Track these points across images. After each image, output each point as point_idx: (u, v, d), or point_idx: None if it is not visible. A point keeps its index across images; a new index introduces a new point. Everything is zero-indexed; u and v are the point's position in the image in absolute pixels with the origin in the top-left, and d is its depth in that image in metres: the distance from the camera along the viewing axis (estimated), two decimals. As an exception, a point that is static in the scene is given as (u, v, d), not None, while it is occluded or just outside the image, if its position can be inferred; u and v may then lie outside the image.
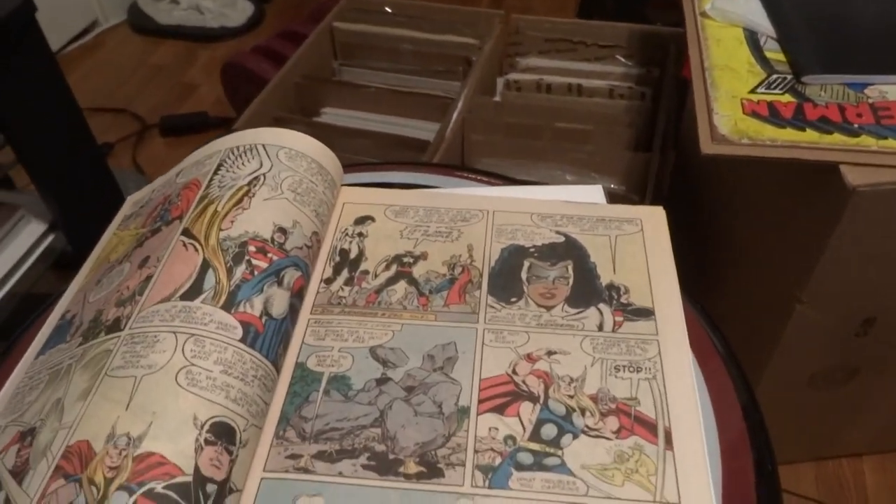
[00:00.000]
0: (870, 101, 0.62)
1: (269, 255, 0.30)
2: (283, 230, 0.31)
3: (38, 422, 0.26)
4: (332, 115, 1.02)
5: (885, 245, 0.61)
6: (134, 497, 0.22)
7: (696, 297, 0.37)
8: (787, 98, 0.64)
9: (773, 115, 0.62)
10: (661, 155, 0.86)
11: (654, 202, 0.82)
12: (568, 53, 1.07)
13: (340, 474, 0.27)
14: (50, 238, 0.87)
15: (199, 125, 1.45)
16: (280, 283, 0.30)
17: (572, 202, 0.38)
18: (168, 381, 0.25)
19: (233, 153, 0.35)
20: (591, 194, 0.39)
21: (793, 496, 0.83)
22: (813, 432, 0.85)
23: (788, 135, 0.60)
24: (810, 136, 0.60)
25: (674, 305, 0.34)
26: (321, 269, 0.35)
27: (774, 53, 0.69)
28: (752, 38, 0.72)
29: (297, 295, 0.31)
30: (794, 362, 0.73)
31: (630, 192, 0.88)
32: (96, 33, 1.74)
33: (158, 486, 0.23)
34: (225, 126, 1.44)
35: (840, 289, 0.65)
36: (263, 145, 0.35)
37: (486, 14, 1.10)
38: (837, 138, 0.59)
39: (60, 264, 0.93)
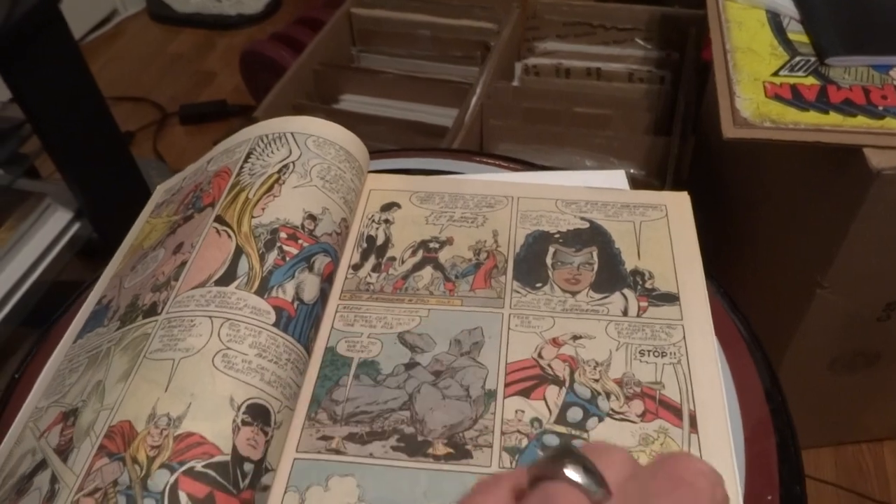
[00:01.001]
0: (894, 82, 0.62)
1: (300, 241, 0.31)
2: (312, 217, 0.32)
3: (80, 402, 0.27)
4: (350, 102, 1.02)
5: (909, 229, 0.60)
6: (175, 475, 0.23)
7: (718, 281, 0.37)
8: (811, 81, 0.63)
9: (797, 98, 0.62)
10: (680, 139, 0.86)
11: (674, 187, 0.82)
12: (586, 37, 1.06)
13: (371, 455, 0.27)
14: (76, 226, 0.88)
15: (219, 113, 1.46)
16: (311, 269, 0.30)
17: (597, 188, 0.38)
18: (205, 364, 0.26)
19: (262, 141, 0.36)
20: (615, 180, 0.39)
21: (812, 481, 0.84)
22: (833, 417, 0.85)
23: (811, 118, 0.60)
24: (834, 118, 0.59)
25: (698, 291, 0.34)
26: (349, 255, 0.35)
27: (798, 35, 0.68)
28: (775, 20, 0.71)
29: (328, 280, 0.32)
30: (814, 347, 0.73)
31: (650, 176, 0.87)
32: (116, 22, 1.76)
33: (199, 465, 0.24)
34: (244, 114, 1.45)
35: (862, 273, 0.65)
36: (292, 133, 0.35)
37: (503, -2, 1.10)
38: (861, 121, 0.59)
39: (86, 252, 0.94)
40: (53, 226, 0.87)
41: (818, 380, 0.77)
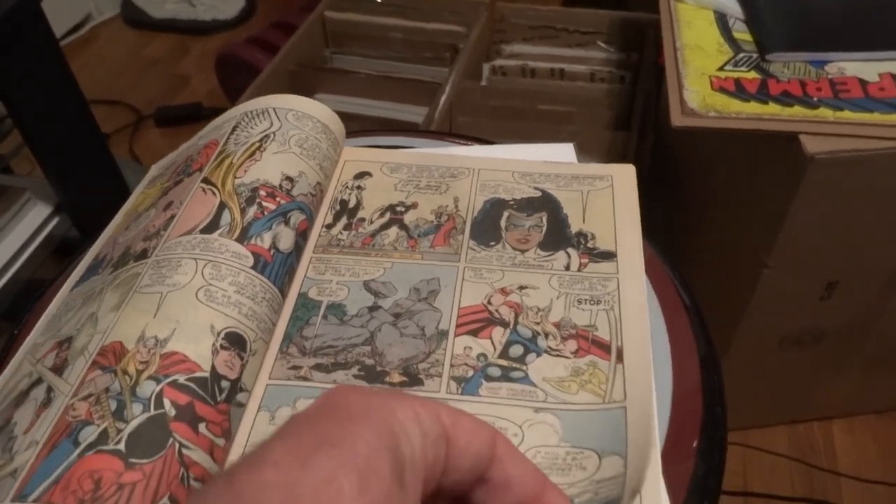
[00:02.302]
0: (829, 76, 0.67)
1: (278, 199, 0.34)
2: (290, 179, 0.35)
3: (75, 332, 0.30)
4: (325, 101, 1.05)
5: (843, 210, 0.65)
6: (161, 385, 0.26)
7: (675, 264, 0.41)
8: (753, 75, 0.68)
9: (739, 91, 0.66)
10: (639, 135, 0.90)
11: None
12: (551, 40, 1.11)
13: (334, 382, 0.31)
14: (55, 221, 0.90)
15: (194, 115, 1.48)
16: (287, 223, 0.34)
17: (551, 162, 0.42)
18: (189, 297, 0.29)
19: (247, 116, 0.39)
20: (563, 152, 0.43)
21: (766, 454, 0.88)
22: (785, 395, 0.90)
23: (752, 108, 0.65)
24: (773, 108, 0.64)
25: (635, 249, 0.38)
26: (323, 215, 0.39)
27: (742, 34, 0.74)
28: (722, 20, 0.76)
29: (302, 235, 0.35)
30: (763, 326, 0.78)
31: (610, 169, 0.92)
32: (90, 27, 1.77)
33: (181, 378, 0.27)
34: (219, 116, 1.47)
35: (804, 253, 0.69)
36: (274, 108, 0.39)
37: (471, 2, 1.14)
38: (797, 111, 0.64)
39: (62, 251, 0.96)
40: (32, 220, 0.89)
41: (769, 357, 0.82)
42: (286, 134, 0.37)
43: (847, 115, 0.63)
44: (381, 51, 1.13)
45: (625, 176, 0.41)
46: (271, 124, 0.38)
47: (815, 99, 0.64)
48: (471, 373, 0.31)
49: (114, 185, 0.96)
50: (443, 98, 0.95)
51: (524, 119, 0.97)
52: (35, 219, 0.88)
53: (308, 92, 1.07)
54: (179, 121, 1.49)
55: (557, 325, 0.33)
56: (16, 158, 0.94)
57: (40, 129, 0.80)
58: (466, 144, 0.47)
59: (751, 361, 0.81)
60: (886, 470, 0.87)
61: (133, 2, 1.77)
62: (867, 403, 0.92)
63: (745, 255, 0.74)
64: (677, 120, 0.65)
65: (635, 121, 0.92)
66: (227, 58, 1.27)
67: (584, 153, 0.94)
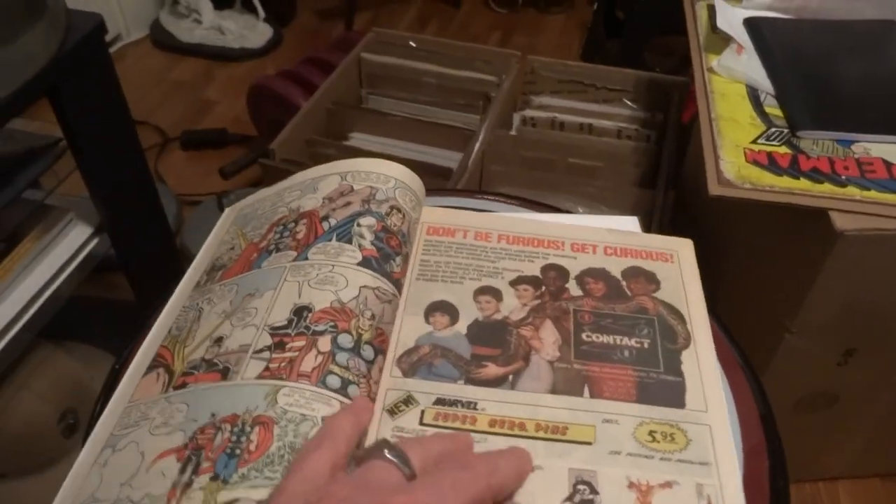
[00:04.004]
0: (855, 156, 0.71)
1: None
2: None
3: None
4: (359, 140, 1.09)
5: (867, 284, 0.69)
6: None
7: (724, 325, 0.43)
8: (784, 150, 0.72)
9: (772, 164, 0.70)
10: (664, 192, 0.94)
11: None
12: (579, 94, 1.15)
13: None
14: (95, 241, 0.92)
15: (219, 141, 1.51)
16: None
17: (624, 231, 0.45)
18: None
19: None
20: (629, 224, 0.46)
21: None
22: (793, 456, 0.92)
23: (785, 182, 0.68)
24: (804, 184, 0.68)
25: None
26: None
27: (773, 109, 0.78)
28: (754, 94, 0.80)
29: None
30: (780, 388, 0.80)
31: (635, 225, 0.95)
32: (119, 47, 1.81)
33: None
34: (244, 143, 1.51)
35: (825, 321, 0.73)
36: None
37: (503, 54, 1.18)
38: (827, 187, 0.67)
39: (98, 270, 0.98)
40: (74, 240, 0.91)
41: (782, 419, 0.84)
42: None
43: (874, 195, 0.66)
44: (414, 94, 1.17)
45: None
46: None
47: (843, 177, 0.68)
48: None
49: (152, 207, 0.98)
50: (476, 145, 0.99)
51: (553, 171, 1.01)
52: (77, 239, 0.90)
53: (344, 130, 1.11)
54: (204, 145, 1.52)
55: None
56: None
57: (92, 152, 0.83)
58: (536, 210, 0.50)
59: (765, 420, 0.84)
60: (890, 533, 0.90)
61: (163, 25, 1.81)
62: (874, 465, 0.94)
63: (767, 319, 0.77)
64: (714, 189, 0.69)
65: (661, 180, 0.96)
66: (261, 89, 1.30)
67: (611, 208, 0.98)
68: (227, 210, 0.49)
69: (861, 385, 0.80)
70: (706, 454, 0.33)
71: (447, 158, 1.03)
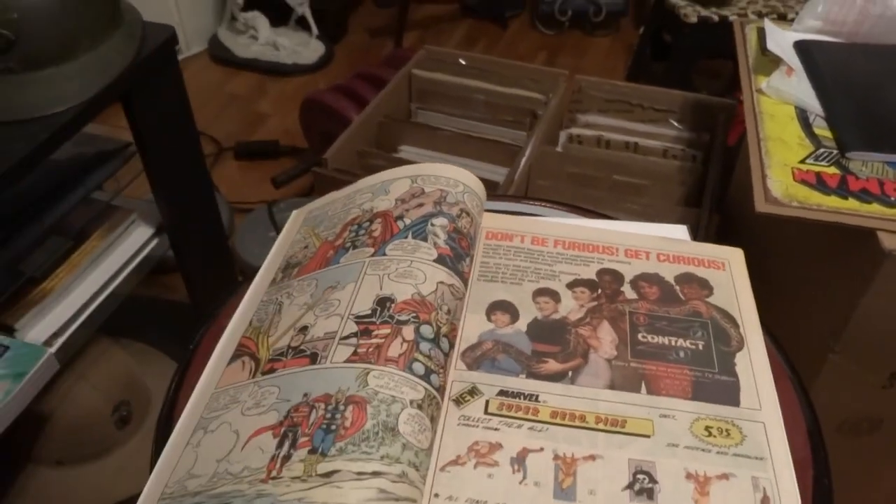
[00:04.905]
0: (906, 178, 0.71)
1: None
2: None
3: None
4: (408, 153, 1.12)
5: (914, 305, 0.69)
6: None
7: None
8: (833, 170, 0.73)
9: (820, 184, 0.71)
10: (709, 213, 0.95)
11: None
12: (625, 114, 1.17)
13: None
14: (154, 242, 0.97)
15: (271, 152, 1.56)
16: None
17: (674, 239, 0.47)
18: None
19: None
20: (679, 233, 0.48)
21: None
22: (837, 484, 0.91)
23: (833, 202, 0.69)
24: (852, 204, 0.68)
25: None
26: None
27: (822, 130, 0.78)
28: (803, 116, 0.81)
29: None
30: (824, 409, 0.80)
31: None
32: (179, 60, 1.88)
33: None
34: (295, 154, 1.55)
35: (870, 342, 0.73)
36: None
37: (550, 73, 1.21)
38: (876, 208, 0.68)
39: (154, 271, 1.03)
40: (135, 240, 0.95)
41: (827, 441, 0.84)
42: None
43: (924, 216, 0.67)
44: (462, 110, 1.19)
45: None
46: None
47: (893, 199, 0.69)
48: None
49: (209, 211, 1.02)
50: (523, 160, 1.01)
51: (598, 188, 1.02)
52: (138, 238, 0.95)
53: (394, 142, 1.14)
54: (256, 155, 1.57)
55: None
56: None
57: (159, 156, 0.88)
58: (584, 216, 0.52)
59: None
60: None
61: (221, 41, 1.88)
62: (917, 496, 0.93)
63: (811, 339, 0.77)
64: (761, 206, 0.70)
65: (706, 200, 0.97)
66: (314, 102, 1.35)
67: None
68: (294, 213, 0.52)
69: (907, 410, 0.80)
70: (761, 450, 0.34)
71: (494, 173, 1.06)
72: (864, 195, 0.69)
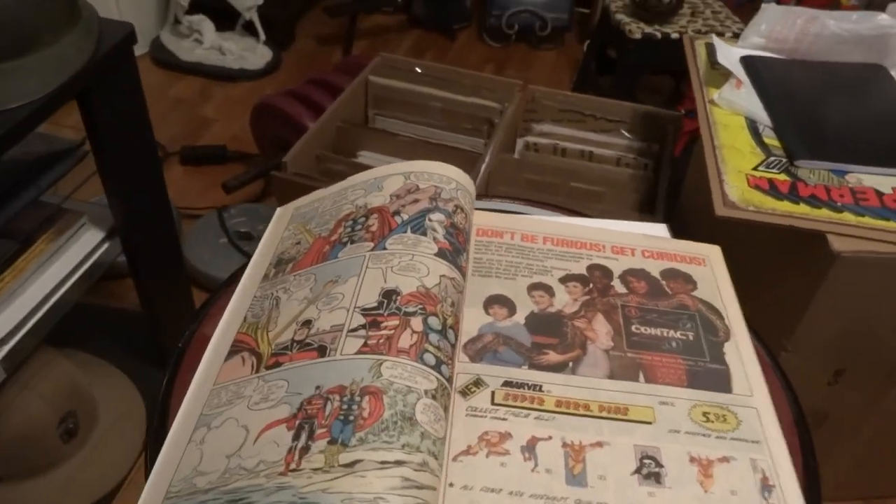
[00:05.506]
0: (849, 185, 0.76)
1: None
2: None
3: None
4: (368, 158, 1.12)
5: (860, 305, 0.73)
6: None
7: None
8: (784, 177, 0.77)
9: (773, 189, 0.75)
10: (664, 219, 0.98)
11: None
12: (577, 123, 1.20)
13: None
14: (106, 246, 0.93)
15: (218, 157, 1.53)
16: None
17: (658, 237, 0.48)
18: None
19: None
20: (658, 230, 0.49)
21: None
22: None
23: (786, 206, 0.73)
24: (803, 209, 0.73)
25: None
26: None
27: (771, 140, 0.83)
28: (752, 126, 0.85)
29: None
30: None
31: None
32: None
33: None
34: (243, 160, 1.52)
35: (819, 341, 0.77)
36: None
37: (505, 82, 1.23)
38: (825, 213, 0.72)
39: (105, 278, 0.99)
40: (85, 244, 0.91)
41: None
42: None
43: (868, 220, 0.71)
44: (420, 117, 1.20)
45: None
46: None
47: (839, 204, 0.73)
48: None
49: (163, 215, 0.99)
50: (483, 167, 1.02)
51: (557, 194, 1.05)
52: (88, 242, 0.91)
53: (353, 148, 1.13)
54: (203, 161, 1.53)
55: None
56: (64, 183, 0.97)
57: (114, 156, 0.85)
58: (571, 215, 0.54)
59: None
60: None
61: (164, 44, 1.83)
62: (857, 489, 0.98)
63: (765, 337, 0.81)
64: (720, 210, 0.73)
65: (659, 206, 1.00)
66: (267, 107, 1.33)
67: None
68: (278, 210, 0.52)
69: (849, 406, 0.84)
70: (756, 433, 0.36)
71: (454, 179, 1.07)
72: (814, 200, 0.73)
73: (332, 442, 0.30)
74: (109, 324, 1.15)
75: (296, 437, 0.31)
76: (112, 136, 0.83)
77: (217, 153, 1.53)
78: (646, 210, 1.03)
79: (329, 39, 2.02)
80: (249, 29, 1.85)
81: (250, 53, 1.83)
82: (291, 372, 0.35)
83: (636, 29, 1.53)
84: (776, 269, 0.80)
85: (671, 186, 1.08)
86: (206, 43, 1.80)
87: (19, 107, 0.66)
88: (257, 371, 0.36)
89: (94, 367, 1.06)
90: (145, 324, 1.03)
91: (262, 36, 1.84)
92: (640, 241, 0.48)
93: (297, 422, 0.32)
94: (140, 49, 1.86)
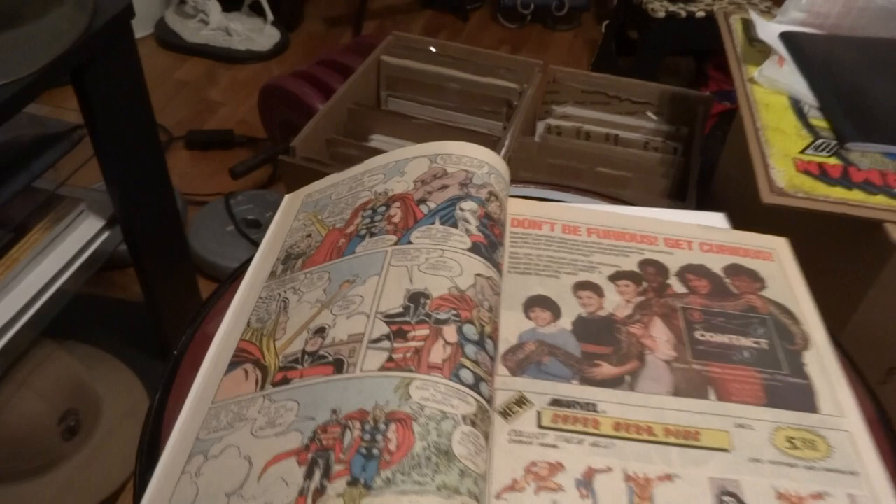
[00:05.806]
0: (907, 169, 0.70)
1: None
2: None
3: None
4: (380, 142, 1.06)
5: (918, 299, 0.67)
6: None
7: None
8: (834, 161, 0.71)
9: (824, 175, 0.69)
10: (697, 206, 0.92)
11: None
12: (602, 105, 1.14)
13: None
14: (105, 235, 0.88)
15: (225, 142, 1.47)
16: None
17: (719, 228, 0.43)
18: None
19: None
20: (717, 220, 0.44)
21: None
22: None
23: (838, 192, 0.67)
24: (857, 195, 0.66)
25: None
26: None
27: (818, 121, 0.76)
28: (797, 106, 0.79)
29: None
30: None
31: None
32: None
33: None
34: (251, 145, 1.47)
35: (873, 336, 0.71)
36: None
37: (525, 62, 1.17)
38: (881, 199, 0.66)
39: (105, 268, 0.94)
40: (85, 232, 0.87)
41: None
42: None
43: (929, 208, 0.65)
44: (435, 98, 1.14)
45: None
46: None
47: (896, 190, 0.67)
48: None
49: (166, 201, 0.94)
50: (503, 151, 0.97)
51: (581, 179, 0.99)
52: (88, 231, 0.86)
53: (365, 131, 1.08)
54: (209, 145, 1.48)
55: None
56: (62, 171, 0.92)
57: (112, 140, 0.79)
58: (612, 203, 0.48)
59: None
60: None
61: (168, 25, 1.78)
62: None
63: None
64: (767, 197, 0.67)
65: (691, 192, 0.94)
66: (275, 89, 1.27)
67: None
68: (286, 198, 0.46)
69: (899, 406, 0.79)
70: (851, 463, 0.30)
71: (472, 164, 1.01)
72: (869, 186, 0.67)
73: (352, 483, 0.25)
74: (112, 316, 1.10)
75: (308, 475, 0.26)
76: (110, 118, 0.78)
77: (224, 138, 1.48)
78: (675, 196, 0.97)
79: (339, 20, 1.95)
80: (256, 9, 1.79)
81: (257, 34, 1.77)
82: (303, 391, 0.29)
83: (659, 7, 1.46)
84: (824, 261, 0.74)
85: (702, 171, 1.02)
86: (211, 24, 1.74)
87: (4, 84, 0.60)
88: (262, 388, 0.31)
89: (97, 361, 1.02)
90: (149, 316, 0.98)
91: (270, 16, 1.78)
92: (696, 232, 0.42)
93: (310, 455, 0.26)
94: (144, 30, 1.80)
